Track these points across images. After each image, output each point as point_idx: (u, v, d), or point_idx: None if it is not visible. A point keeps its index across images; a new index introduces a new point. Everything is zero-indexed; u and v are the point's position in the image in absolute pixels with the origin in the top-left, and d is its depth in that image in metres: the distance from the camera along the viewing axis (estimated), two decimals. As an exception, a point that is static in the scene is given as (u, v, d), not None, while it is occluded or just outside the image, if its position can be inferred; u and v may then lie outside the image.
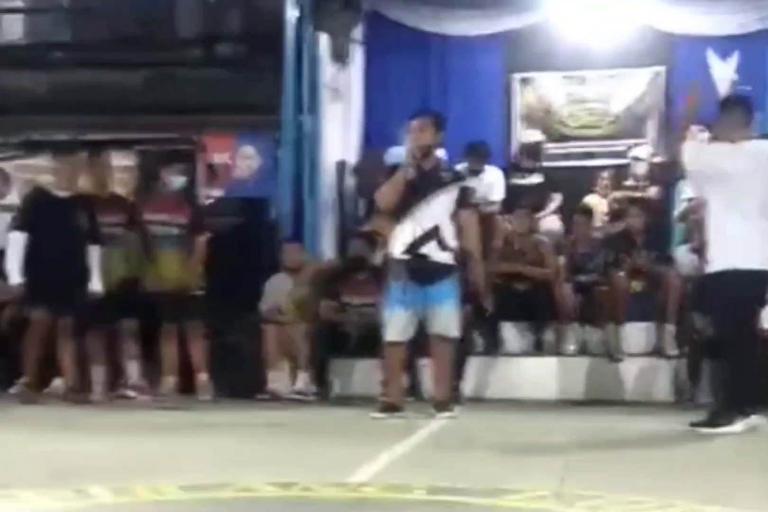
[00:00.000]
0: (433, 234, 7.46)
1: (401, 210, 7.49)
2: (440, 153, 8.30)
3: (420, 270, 7.44)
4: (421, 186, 7.48)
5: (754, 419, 6.76)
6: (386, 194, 7.54)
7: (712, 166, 6.89)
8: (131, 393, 9.11)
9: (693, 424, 6.78)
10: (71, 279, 8.77)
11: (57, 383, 9.38)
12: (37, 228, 8.74)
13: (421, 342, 8.96)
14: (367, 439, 6.47)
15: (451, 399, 7.76)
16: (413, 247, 7.44)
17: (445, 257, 7.52)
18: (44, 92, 12.59)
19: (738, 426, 6.68)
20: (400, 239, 7.50)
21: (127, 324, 9.20)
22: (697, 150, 7.19)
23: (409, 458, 5.65)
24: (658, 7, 10.77)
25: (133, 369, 9.22)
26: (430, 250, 7.46)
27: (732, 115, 7.00)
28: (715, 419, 6.75)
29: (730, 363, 6.94)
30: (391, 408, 7.51)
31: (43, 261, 8.67)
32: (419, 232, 7.44)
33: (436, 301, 7.49)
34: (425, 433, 6.73)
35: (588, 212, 10.38)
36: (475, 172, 10.91)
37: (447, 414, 7.50)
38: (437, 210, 7.51)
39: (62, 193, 8.97)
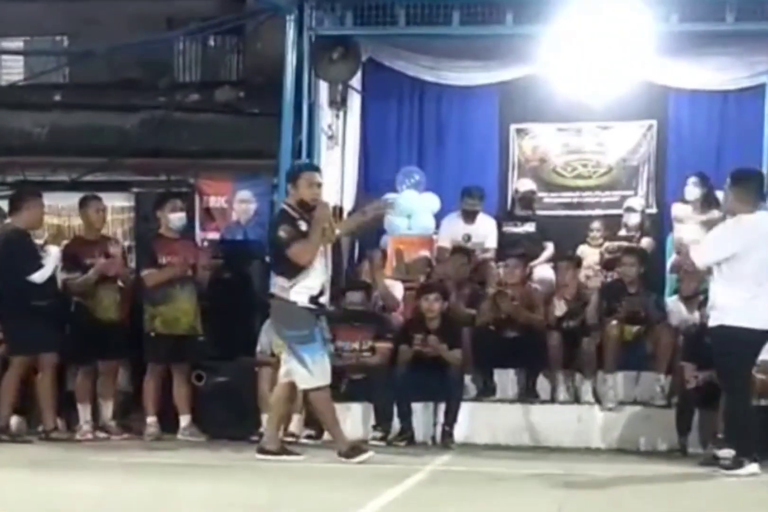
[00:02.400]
0: (327, 284, 7.76)
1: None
2: None
3: (327, 318, 7.84)
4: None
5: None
6: (311, 253, 7.60)
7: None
8: (92, 434, 9.11)
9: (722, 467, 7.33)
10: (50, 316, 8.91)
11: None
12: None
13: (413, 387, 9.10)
14: (359, 484, 6.51)
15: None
16: (318, 297, 7.64)
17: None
18: (43, 133, 12.70)
19: (751, 467, 7.15)
20: (304, 290, 7.59)
21: (105, 364, 9.26)
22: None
23: (399, 503, 5.69)
24: (652, 62, 10.92)
25: (107, 410, 9.27)
26: (324, 300, 7.76)
27: (740, 190, 7.52)
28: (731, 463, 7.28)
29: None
30: (358, 449, 7.64)
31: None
32: (320, 283, 7.67)
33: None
34: (417, 479, 6.75)
35: (574, 259, 10.46)
36: (470, 215, 11.04)
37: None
38: (328, 259, 7.81)
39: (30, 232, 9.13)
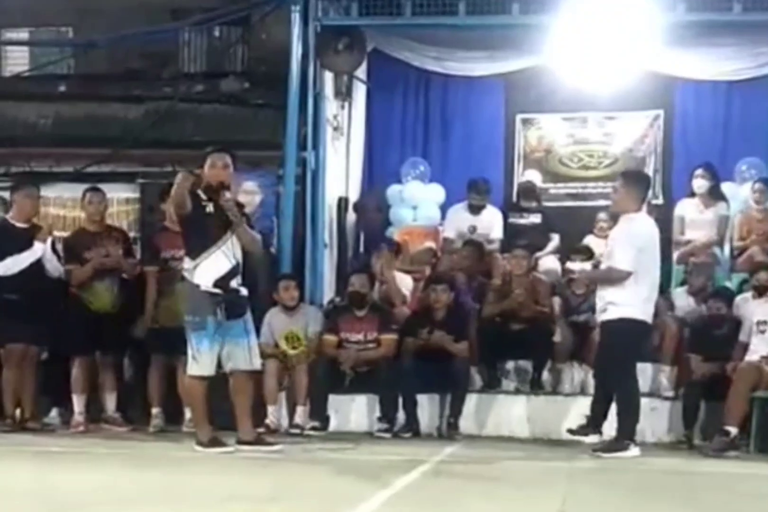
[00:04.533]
0: (237, 269, 7.62)
1: (207, 243, 7.54)
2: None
3: (233, 305, 7.55)
4: (221, 220, 7.58)
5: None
6: (178, 199, 7.53)
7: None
8: (84, 426, 9.05)
9: (594, 450, 7.82)
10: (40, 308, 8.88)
11: (54, 413, 9.44)
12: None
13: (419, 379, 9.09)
14: (365, 475, 6.49)
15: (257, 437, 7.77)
16: (223, 281, 7.52)
17: (245, 292, 7.69)
18: (48, 124, 12.67)
19: (634, 450, 7.73)
20: (208, 272, 7.51)
21: (103, 356, 9.23)
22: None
23: (405, 495, 5.68)
24: (658, 52, 10.89)
25: (110, 402, 9.25)
26: (237, 284, 7.62)
27: (632, 189, 7.95)
28: (613, 446, 7.78)
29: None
30: (215, 442, 7.54)
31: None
32: (227, 267, 7.55)
33: (241, 336, 7.62)
34: (422, 471, 6.75)
35: (584, 252, 10.40)
36: (477, 208, 11.02)
37: (248, 447, 7.58)
38: (238, 245, 7.65)
39: (21, 225, 9.09)
